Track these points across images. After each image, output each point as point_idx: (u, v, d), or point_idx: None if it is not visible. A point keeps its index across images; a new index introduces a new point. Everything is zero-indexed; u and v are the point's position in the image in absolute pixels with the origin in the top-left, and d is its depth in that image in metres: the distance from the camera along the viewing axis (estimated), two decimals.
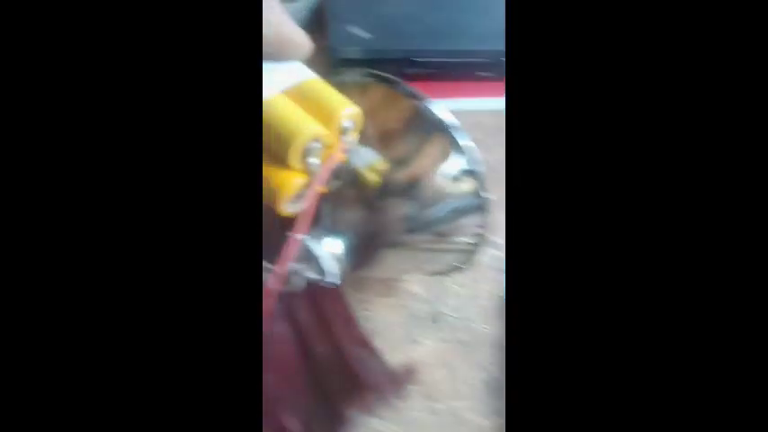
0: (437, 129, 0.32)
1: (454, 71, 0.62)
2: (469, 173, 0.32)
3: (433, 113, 0.32)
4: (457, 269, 0.38)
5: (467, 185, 0.33)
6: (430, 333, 0.41)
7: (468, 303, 0.43)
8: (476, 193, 0.33)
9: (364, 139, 0.32)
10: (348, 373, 0.35)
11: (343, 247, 0.32)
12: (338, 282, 0.33)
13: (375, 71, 0.34)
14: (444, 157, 0.33)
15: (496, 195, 0.56)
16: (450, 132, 0.32)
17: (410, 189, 0.32)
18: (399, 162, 0.32)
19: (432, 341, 0.40)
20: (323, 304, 0.37)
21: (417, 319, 0.41)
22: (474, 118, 0.66)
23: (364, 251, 0.33)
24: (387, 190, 0.32)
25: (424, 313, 0.42)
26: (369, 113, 0.33)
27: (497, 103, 0.65)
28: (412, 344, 0.40)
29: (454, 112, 0.65)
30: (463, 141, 0.32)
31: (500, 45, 0.62)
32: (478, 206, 0.33)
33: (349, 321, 0.37)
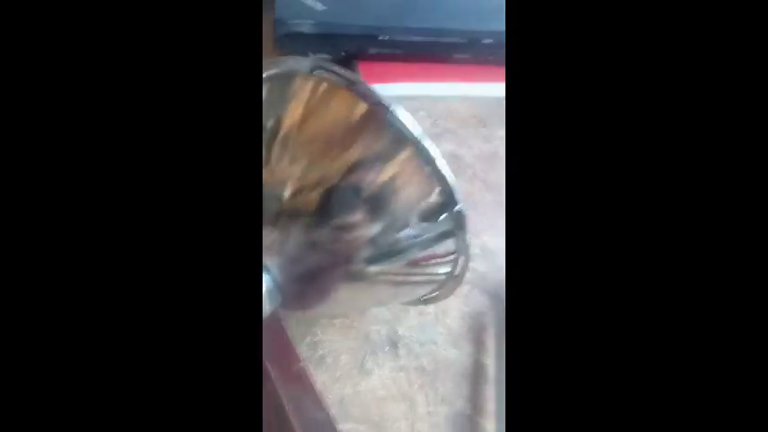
0: (401, 140, 0.24)
1: (424, 52, 0.55)
2: (441, 193, 0.25)
3: (398, 122, 0.24)
4: (428, 301, 0.32)
5: (437, 206, 0.26)
6: (386, 360, 0.34)
7: (431, 323, 0.36)
8: (448, 216, 0.26)
9: (308, 146, 0.25)
10: (280, 417, 0.28)
11: (271, 283, 0.25)
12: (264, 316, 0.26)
13: (329, 66, 0.26)
14: (410, 175, 0.25)
15: (475, 193, 0.51)
16: (418, 145, 0.24)
17: (368, 211, 0.25)
18: (352, 177, 0.25)
19: (387, 370, 0.34)
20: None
21: (372, 343, 0.35)
22: (446, 106, 0.60)
23: (310, 285, 0.26)
24: (338, 211, 0.25)
25: (380, 336, 0.35)
26: (316, 115, 0.26)
27: (473, 88, 0.58)
28: (363, 374, 0.33)
29: (423, 98, 0.58)
30: (432, 156, 0.25)
31: (478, 24, 0.55)
32: (451, 230, 0.26)
33: (286, 353, 0.30)
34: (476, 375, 0.34)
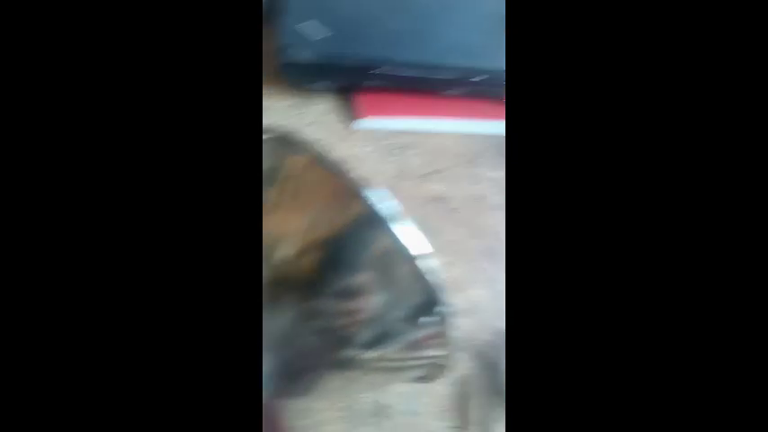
0: (381, 228, 0.22)
1: (416, 86, 0.53)
2: (425, 292, 0.23)
3: (377, 210, 0.22)
4: (422, 380, 0.30)
5: (422, 305, 0.24)
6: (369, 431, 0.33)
7: (417, 392, 0.35)
8: (433, 298, 0.24)
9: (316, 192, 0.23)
10: None
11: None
12: None
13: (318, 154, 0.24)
14: (391, 261, 0.23)
15: (460, 241, 0.49)
16: (395, 236, 0.22)
17: (373, 275, 0.23)
18: (335, 264, 0.23)
19: None
20: None
21: (355, 412, 0.33)
22: (437, 142, 0.58)
23: (298, 374, 0.24)
24: (341, 272, 0.23)
25: (364, 406, 0.33)
26: (320, 161, 0.24)
27: (464, 125, 0.57)
28: None
29: (416, 133, 0.57)
30: (413, 241, 0.23)
31: (470, 61, 0.54)
32: (440, 313, 0.25)
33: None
34: None
